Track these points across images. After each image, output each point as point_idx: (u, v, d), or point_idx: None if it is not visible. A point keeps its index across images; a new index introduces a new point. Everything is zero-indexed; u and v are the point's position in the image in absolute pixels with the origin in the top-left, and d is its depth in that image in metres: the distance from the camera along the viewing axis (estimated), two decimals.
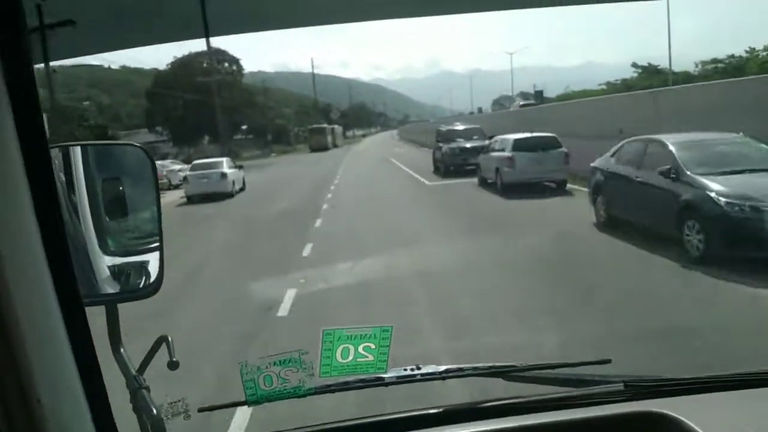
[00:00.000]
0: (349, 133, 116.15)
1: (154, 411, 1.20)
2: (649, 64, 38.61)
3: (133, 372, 1.26)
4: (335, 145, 69.91)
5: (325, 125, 73.50)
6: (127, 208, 1.35)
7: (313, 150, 62.47)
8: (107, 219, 1.33)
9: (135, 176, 1.38)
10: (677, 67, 36.16)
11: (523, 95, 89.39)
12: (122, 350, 1.29)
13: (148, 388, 1.24)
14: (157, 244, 1.34)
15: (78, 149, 1.30)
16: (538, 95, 47.14)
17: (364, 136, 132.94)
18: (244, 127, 67.76)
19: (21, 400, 0.76)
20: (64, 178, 1.26)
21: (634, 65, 38.98)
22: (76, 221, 1.25)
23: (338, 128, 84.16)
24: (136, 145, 1.37)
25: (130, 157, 1.40)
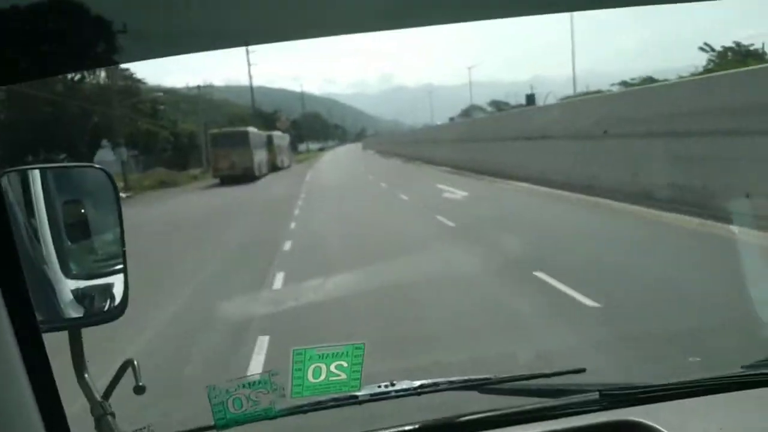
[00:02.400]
0: (302, 147, 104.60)
1: None
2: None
3: (98, 398, 1.23)
4: (277, 167, 44.05)
5: (246, 129, 38.03)
6: (90, 230, 1.33)
7: (224, 179, 33.82)
8: (69, 242, 1.30)
9: (96, 198, 1.36)
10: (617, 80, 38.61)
11: (495, 104, 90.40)
12: (86, 375, 1.26)
13: (113, 414, 1.21)
14: (120, 266, 1.31)
15: (36, 172, 1.27)
16: (531, 99, 43.79)
17: (321, 149, 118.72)
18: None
19: None
20: (23, 201, 1.23)
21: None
22: (36, 245, 1.22)
23: (280, 136, 50.58)
24: (96, 167, 1.34)
25: (91, 178, 1.38)
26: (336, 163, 58.35)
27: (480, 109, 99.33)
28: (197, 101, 56.21)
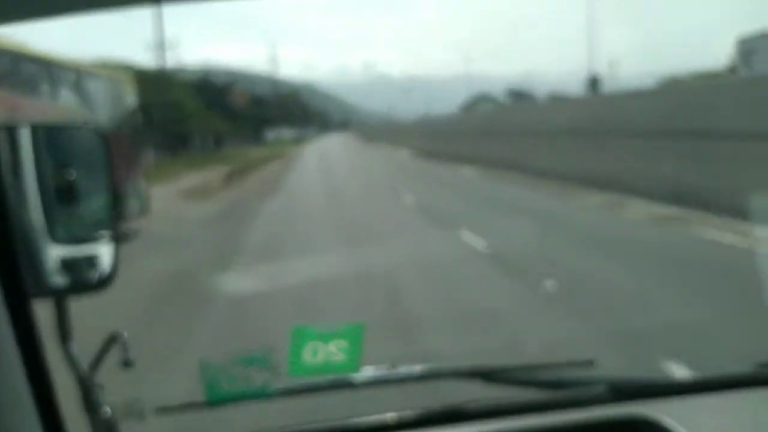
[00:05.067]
0: (270, 135, 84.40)
1: (107, 410, 1.12)
2: None
3: (85, 369, 1.18)
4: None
5: None
6: (80, 194, 1.27)
7: None
8: (58, 206, 1.25)
9: (88, 161, 1.30)
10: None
11: (515, 94, 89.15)
12: (72, 346, 1.21)
13: (100, 386, 1.16)
14: (111, 233, 1.26)
15: (27, 130, 1.21)
16: (595, 84, 35.16)
17: (298, 139, 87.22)
18: None
19: None
20: (10, 161, 1.18)
21: None
22: (23, 208, 1.17)
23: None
24: (90, 128, 1.29)
25: (84, 140, 1.32)
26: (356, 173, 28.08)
27: (491, 100, 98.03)
28: None
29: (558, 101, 31.73)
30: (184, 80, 54.11)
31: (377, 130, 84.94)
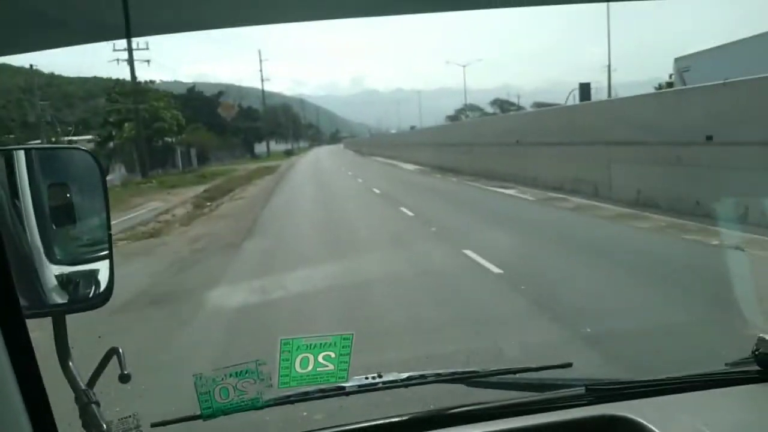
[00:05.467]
0: (259, 149, 77.15)
1: (104, 426, 1.15)
2: None
3: (82, 386, 1.21)
4: None
5: None
6: (75, 214, 1.30)
7: None
8: (54, 226, 1.27)
9: (83, 182, 1.33)
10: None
11: (498, 103, 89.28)
12: (71, 363, 1.24)
13: (97, 403, 1.19)
14: (106, 252, 1.29)
15: (22, 153, 1.24)
16: (586, 91, 29.30)
17: (288, 152, 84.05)
18: None
19: None
20: (7, 184, 1.20)
21: None
22: (20, 229, 1.20)
23: None
24: (83, 150, 1.32)
25: (78, 161, 1.35)
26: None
27: (479, 109, 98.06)
28: None
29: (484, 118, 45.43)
30: (164, 92, 49.60)
31: (370, 142, 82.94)
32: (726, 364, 1.49)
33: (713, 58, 22.18)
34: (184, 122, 51.10)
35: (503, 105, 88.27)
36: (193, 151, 53.91)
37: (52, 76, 58.61)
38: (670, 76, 30.84)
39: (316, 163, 53.90)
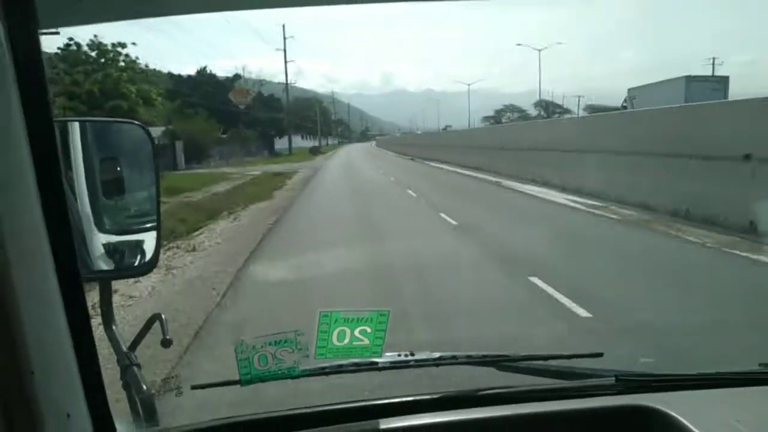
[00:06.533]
0: (280, 145, 66.05)
1: (145, 387, 1.20)
2: None
3: (124, 349, 1.26)
4: None
5: None
6: (125, 186, 1.35)
7: None
8: (104, 197, 1.32)
9: (133, 155, 1.38)
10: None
11: (541, 105, 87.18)
12: (114, 327, 1.29)
13: (139, 365, 1.24)
14: (153, 224, 1.34)
15: (77, 125, 1.29)
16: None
17: (314, 152, 70.68)
18: None
19: (14, 370, 0.76)
20: (62, 154, 1.25)
21: None
22: (72, 198, 1.24)
23: None
24: (135, 123, 1.36)
25: (129, 135, 1.40)
26: None
27: (520, 110, 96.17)
28: None
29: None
30: (141, 68, 36.33)
31: (406, 141, 72.56)
32: (760, 364, 1.48)
33: (647, 91, 35.09)
34: (163, 101, 40.44)
35: (548, 107, 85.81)
36: (179, 146, 40.33)
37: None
38: (624, 101, 41.05)
39: (350, 168, 38.87)
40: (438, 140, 50.10)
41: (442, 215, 13.17)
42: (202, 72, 57.71)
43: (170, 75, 54.89)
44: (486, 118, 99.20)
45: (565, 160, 18.78)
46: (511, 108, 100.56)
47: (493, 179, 23.87)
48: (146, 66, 37.96)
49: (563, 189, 18.10)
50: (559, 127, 23.77)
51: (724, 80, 33.77)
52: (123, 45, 35.34)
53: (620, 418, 1.31)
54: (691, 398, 1.35)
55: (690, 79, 32.52)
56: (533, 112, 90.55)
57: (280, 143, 68.11)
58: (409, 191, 19.90)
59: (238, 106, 55.97)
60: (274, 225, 13.02)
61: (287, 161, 48.90)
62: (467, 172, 28.97)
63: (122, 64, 35.42)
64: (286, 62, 71.61)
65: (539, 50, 64.99)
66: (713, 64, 60.20)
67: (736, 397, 1.37)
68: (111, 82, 33.63)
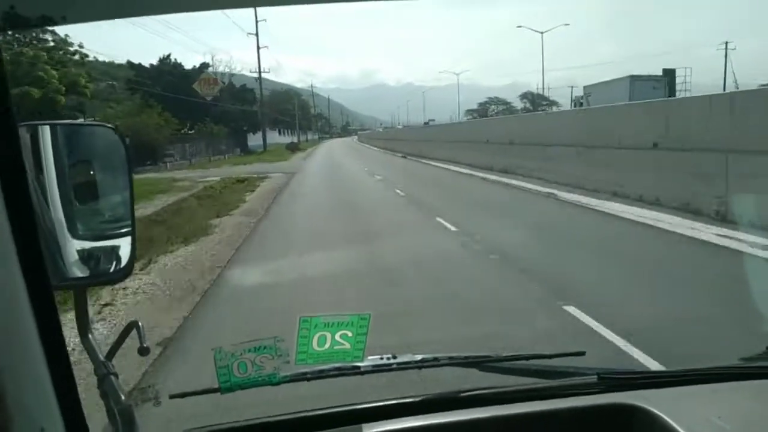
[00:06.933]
0: (253, 141, 60.39)
1: (123, 397, 1.17)
2: None
3: (101, 358, 1.23)
4: None
5: None
6: (98, 191, 1.32)
7: None
8: (77, 202, 1.29)
9: (106, 158, 1.35)
10: None
11: (528, 96, 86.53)
12: (90, 336, 1.26)
13: (116, 375, 1.21)
14: (128, 229, 1.31)
15: (47, 128, 1.26)
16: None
17: (292, 148, 64.00)
18: None
19: None
20: (32, 159, 1.22)
21: None
22: (44, 204, 1.21)
23: None
24: (107, 126, 1.33)
25: (101, 138, 1.37)
26: None
27: (505, 103, 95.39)
28: None
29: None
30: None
31: (388, 136, 68.87)
32: (740, 359, 1.49)
33: (598, 89, 39.21)
34: (92, 90, 34.88)
35: (535, 99, 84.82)
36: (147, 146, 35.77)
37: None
38: (580, 98, 45.30)
39: (337, 170, 32.00)
40: (427, 135, 45.00)
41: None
42: (165, 60, 51.50)
43: (130, 64, 49.84)
44: (470, 111, 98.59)
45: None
46: (496, 101, 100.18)
47: (544, 189, 16.19)
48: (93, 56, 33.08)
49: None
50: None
51: (663, 79, 37.49)
52: (51, 20, 30.99)
53: (603, 416, 1.32)
54: (673, 395, 1.35)
55: (634, 79, 36.35)
56: (518, 104, 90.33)
57: (255, 139, 62.20)
58: (441, 220, 11.49)
59: (205, 98, 50.68)
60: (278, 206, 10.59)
61: (259, 160, 42.07)
62: (492, 177, 21.28)
63: (51, 43, 31.08)
64: (258, 48, 63.66)
65: (542, 33, 60.76)
66: (726, 48, 61.76)
67: (716, 393, 1.38)
68: (25, 65, 28.07)
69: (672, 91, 36.17)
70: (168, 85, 46.93)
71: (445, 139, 36.01)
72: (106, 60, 50.17)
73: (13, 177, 0.78)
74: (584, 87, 44.06)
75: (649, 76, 38.25)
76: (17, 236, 0.78)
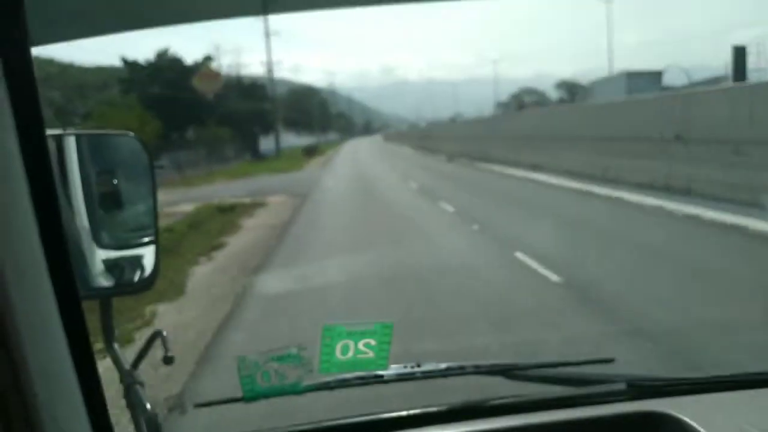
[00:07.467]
0: (266, 145, 52.65)
1: (149, 406, 1.18)
2: None
3: (127, 367, 1.24)
4: None
5: None
6: (122, 200, 1.33)
7: None
8: (101, 211, 1.30)
9: (130, 167, 1.36)
10: None
11: (564, 86, 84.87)
12: (115, 345, 1.27)
13: (142, 384, 1.22)
14: (152, 237, 1.31)
15: (72, 138, 1.27)
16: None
17: (308, 152, 55.82)
18: None
19: (17, 394, 0.74)
20: (58, 168, 1.23)
21: None
22: (70, 213, 1.22)
23: None
24: (131, 135, 1.34)
25: (126, 147, 1.38)
26: None
27: (538, 94, 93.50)
28: None
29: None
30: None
31: (423, 134, 60.27)
32: None
33: (600, 84, 44.06)
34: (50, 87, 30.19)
35: (571, 88, 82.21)
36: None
37: (70, 66, 43.39)
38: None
39: (370, 190, 21.33)
40: (475, 131, 37.26)
41: None
42: (162, 55, 43.46)
43: (124, 61, 42.95)
44: (500, 105, 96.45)
45: None
46: (529, 91, 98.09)
47: None
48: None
49: None
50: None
51: (658, 74, 40.99)
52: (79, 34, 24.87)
53: (631, 424, 1.29)
54: (704, 403, 1.32)
55: (630, 75, 41.17)
56: (553, 95, 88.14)
57: (267, 142, 53.46)
58: None
59: (206, 95, 41.66)
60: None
61: (268, 170, 33.92)
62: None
63: None
64: (268, 35, 57.41)
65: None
66: None
67: (748, 400, 1.34)
68: None
69: (741, 74, 25.35)
70: (166, 82, 40.77)
71: (507, 135, 28.32)
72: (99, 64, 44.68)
73: (43, 187, 0.79)
74: (592, 82, 51.50)
75: (643, 72, 42.44)
76: (47, 247, 0.79)
